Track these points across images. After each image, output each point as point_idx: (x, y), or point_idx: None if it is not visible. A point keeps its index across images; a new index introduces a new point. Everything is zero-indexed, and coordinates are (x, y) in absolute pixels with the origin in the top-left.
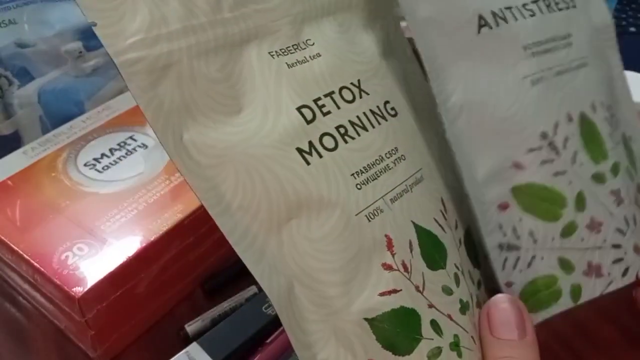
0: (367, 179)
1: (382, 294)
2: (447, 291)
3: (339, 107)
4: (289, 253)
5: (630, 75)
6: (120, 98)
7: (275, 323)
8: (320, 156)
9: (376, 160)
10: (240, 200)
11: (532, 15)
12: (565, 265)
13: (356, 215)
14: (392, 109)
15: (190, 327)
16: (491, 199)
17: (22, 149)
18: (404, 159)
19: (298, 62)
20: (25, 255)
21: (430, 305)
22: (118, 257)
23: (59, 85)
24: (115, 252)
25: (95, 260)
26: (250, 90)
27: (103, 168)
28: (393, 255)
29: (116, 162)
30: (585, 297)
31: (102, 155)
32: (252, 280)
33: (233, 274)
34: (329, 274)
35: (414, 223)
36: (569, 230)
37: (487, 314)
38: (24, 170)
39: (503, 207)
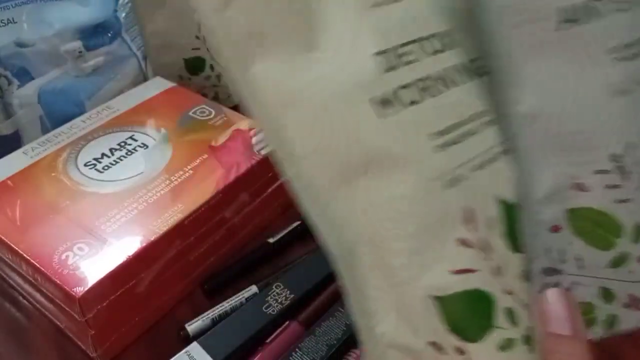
0: (449, 141)
1: (455, 272)
2: (527, 277)
3: (424, 57)
4: (354, 213)
5: None
6: (120, 98)
7: (275, 323)
8: (397, 110)
9: (461, 121)
10: (305, 148)
11: (624, 11)
12: (606, 295)
13: (432, 180)
14: (486, 66)
15: (191, 327)
16: (545, 220)
17: (22, 149)
18: (494, 124)
19: (385, 1)
20: (25, 255)
21: (508, 292)
22: (118, 257)
23: (59, 85)
24: (116, 251)
25: (95, 260)
26: (328, 26)
27: (103, 168)
28: (471, 230)
29: (116, 162)
30: (618, 328)
31: (103, 155)
32: (252, 280)
33: (233, 274)
34: (396, 240)
35: (499, 197)
36: (618, 261)
37: (540, 309)
38: (24, 170)
39: (555, 229)
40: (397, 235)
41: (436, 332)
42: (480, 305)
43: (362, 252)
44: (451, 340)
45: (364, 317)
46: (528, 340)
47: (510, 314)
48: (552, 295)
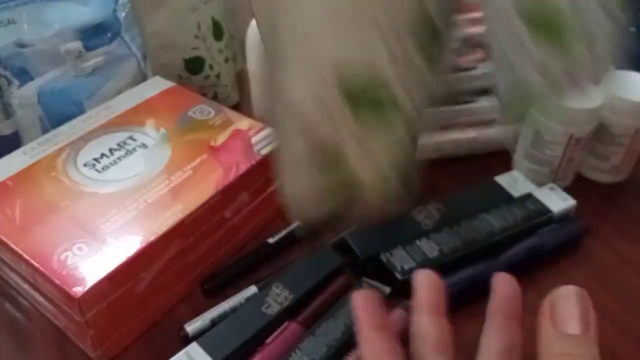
0: None
1: (361, 55)
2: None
3: None
4: None
5: (630, 75)
6: (120, 98)
7: (274, 323)
8: None
9: None
10: None
11: None
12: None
13: None
14: None
15: (190, 327)
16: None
17: (22, 149)
18: None
19: None
20: (25, 255)
21: (400, 80)
22: (118, 257)
23: (59, 85)
24: (115, 252)
25: (95, 260)
26: None
27: (103, 168)
28: (385, 23)
29: (116, 162)
30: None
31: (102, 155)
32: (251, 280)
33: (233, 274)
34: (317, 21)
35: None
36: None
37: (551, 305)
38: (24, 170)
39: None
40: (318, 17)
41: (332, 101)
42: (372, 84)
43: (283, 25)
44: (341, 108)
45: (278, 94)
46: (397, 106)
47: (394, 101)
48: (565, 293)
